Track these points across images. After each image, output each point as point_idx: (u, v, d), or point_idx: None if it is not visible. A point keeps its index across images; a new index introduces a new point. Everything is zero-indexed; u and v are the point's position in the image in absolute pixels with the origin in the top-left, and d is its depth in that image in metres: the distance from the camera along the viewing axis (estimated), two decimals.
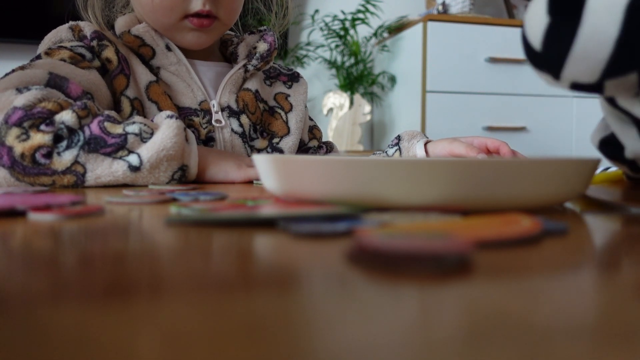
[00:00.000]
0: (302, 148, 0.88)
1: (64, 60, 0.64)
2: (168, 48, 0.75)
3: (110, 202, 0.39)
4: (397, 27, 2.26)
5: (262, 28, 0.85)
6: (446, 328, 0.12)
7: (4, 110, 0.53)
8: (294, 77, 0.90)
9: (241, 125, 0.78)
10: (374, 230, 0.22)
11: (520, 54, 0.35)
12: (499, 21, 2.15)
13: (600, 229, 0.29)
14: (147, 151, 0.55)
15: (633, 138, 0.35)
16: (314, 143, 0.90)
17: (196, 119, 0.74)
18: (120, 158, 0.54)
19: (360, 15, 2.25)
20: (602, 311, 0.14)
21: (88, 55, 0.68)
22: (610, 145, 0.36)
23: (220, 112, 0.77)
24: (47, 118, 0.53)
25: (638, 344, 0.12)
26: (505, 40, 2.10)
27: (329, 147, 0.93)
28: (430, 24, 2.05)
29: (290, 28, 2.28)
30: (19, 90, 0.55)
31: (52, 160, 0.52)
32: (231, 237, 0.24)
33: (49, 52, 0.65)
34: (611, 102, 0.34)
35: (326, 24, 2.25)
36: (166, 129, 0.56)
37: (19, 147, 0.51)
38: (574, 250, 0.22)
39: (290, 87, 0.88)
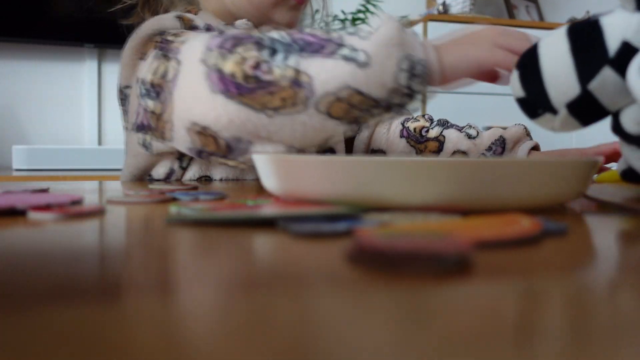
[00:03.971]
0: None
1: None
2: None
3: (110, 201, 0.39)
4: None
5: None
6: (446, 328, 0.12)
7: (215, 41, 0.51)
8: None
9: None
10: (374, 230, 0.22)
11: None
12: (500, 21, 2.15)
13: (600, 229, 0.29)
14: (371, 45, 0.48)
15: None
16: None
17: None
18: (343, 58, 0.48)
19: (361, 15, 2.25)
20: (602, 311, 0.14)
21: None
22: (630, 174, 0.39)
23: None
24: (257, 42, 0.51)
25: (638, 344, 0.12)
26: None
27: None
28: (430, 24, 2.05)
29: None
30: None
31: (273, 75, 0.49)
32: (231, 237, 0.24)
33: (177, 34, 0.60)
34: (621, 132, 0.35)
35: (326, 24, 2.25)
36: (387, 22, 0.50)
37: (238, 71, 0.49)
38: (574, 251, 0.22)
39: None
